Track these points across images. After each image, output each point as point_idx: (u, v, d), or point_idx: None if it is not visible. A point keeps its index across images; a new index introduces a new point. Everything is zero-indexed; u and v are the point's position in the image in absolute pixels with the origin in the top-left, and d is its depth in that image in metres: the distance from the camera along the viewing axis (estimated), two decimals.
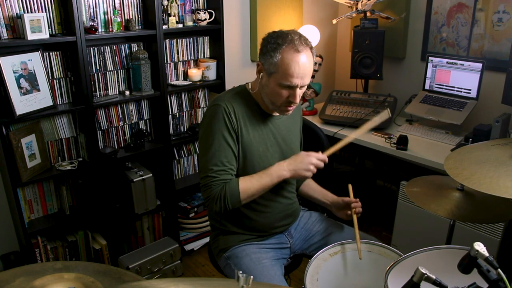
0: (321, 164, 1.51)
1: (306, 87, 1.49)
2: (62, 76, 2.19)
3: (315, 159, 1.49)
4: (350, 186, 1.68)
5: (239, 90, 1.57)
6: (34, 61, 2.05)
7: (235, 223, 1.61)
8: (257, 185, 1.48)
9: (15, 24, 1.98)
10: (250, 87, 1.58)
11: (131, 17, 2.34)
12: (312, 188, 1.81)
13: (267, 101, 1.51)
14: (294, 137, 1.69)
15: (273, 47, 1.42)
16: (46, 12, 2.05)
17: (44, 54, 2.10)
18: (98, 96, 2.32)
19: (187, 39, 2.60)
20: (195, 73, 2.60)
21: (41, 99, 2.08)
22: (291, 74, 1.40)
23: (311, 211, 1.85)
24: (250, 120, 1.53)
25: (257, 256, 1.56)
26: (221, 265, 1.65)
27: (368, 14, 2.89)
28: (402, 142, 2.34)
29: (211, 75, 2.67)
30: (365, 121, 1.72)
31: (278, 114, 1.61)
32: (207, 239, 2.77)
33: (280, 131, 1.60)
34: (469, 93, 2.56)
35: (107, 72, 2.32)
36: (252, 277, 0.74)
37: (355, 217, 1.58)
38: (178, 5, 2.50)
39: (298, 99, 1.47)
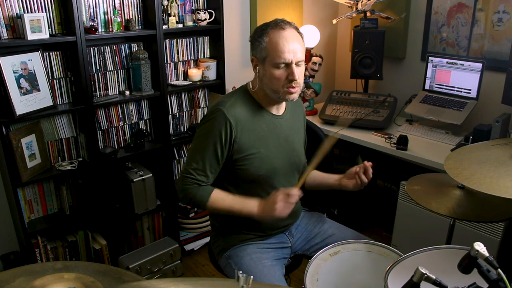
0: (291, 199, 1.45)
1: (303, 65, 1.49)
2: (62, 76, 2.19)
3: (281, 195, 1.45)
4: (359, 158, 1.66)
5: (241, 92, 1.57)
6: (34, 61, 2.05)
7: (236, 223, 1.61)
8: (227, 204, 1.51)
9: (15, 24, 1.98)
10: (251, 86, 1.58)
11: (131, 17, 2.34)
12: (321, 175, 1.76)
13: (269, 91, 1.50)
14: (297, 137, 1.68)
15: (259, 34, 1.47)
16: (46, 12, 2.05)
17: (44, 54, 2.10)
18: (98, 96, 2.32)
19: (187, 39, 2.60)
20: (195, 73, 2.60)
21: (41, 99, 2.08)
22: (281, 50, 1.43)
23: (312, 211, 1.85)
24: (253, 121, 1.53)
25: (257, 256, 1.56)
26: (222, 264, 1.65)
27: (368, 14, 2.89)
28: (402, 142, 2.34)
29: (211, 75, 2.67)
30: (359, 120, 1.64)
31: (281, 114, 1.61)
32: (207, 239, 2.77)
33: (283, 131, 1.60)
34: (469, 93, 2.56)
35: (107, 72, 2.32)
36: (252, 277, 0.74)
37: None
38: (178, 5, 2.50)
39: (296, 76, 1.45)
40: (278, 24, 1.46)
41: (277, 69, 1.45)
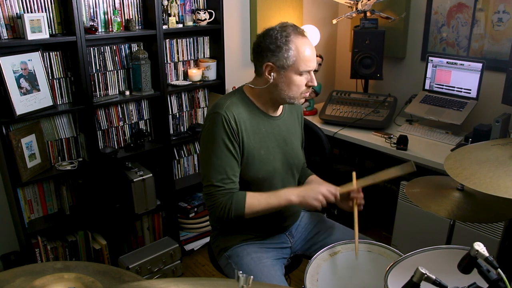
0: (331, 198, 1.48)
1: None
2: (62, 76, 2.19)
3: (326, 190, 1.48)
4: (354, 174, 1.66)
5: (237, 94, 1.56)
6: (34, 61, 2.05)
7: (236, 224, 1.61)
8: (264, 203, 1.48)
9: (15, 24, 1.98)
10: (250, 88, 1.57)
11: (131, 17, 2.34)
12: (317, 182, 1.77)
13: (282, 97, 1.51)
14: (294, 138, 1.68)
15: (283, 41, 1.44)
16: (46, 12, 2.05)
17: (44, 54, 2.10)
18: (98, 96, 2.32)
19: (187, 39, 2.60)
20: (195, 73, 2.60)
21: (41, 99, 2.08)
22: (308, 58, 1.46)
23: (311, 212, 1.85)
24: (251, 124, 1.52)
25: (257, 255, 1.56)
26: (222, 264, 1.65)
27: (368, 14, 2.89)
28: (402, 142, 2.34)
29: (211, 75, 2.67)
30: (386, 171, 1.60)
31: (278, 115, 1.61)
32: (207, 239, 2.78)
33: (280, 132, 1.60)
34: (469, 93, 2.56)
35: (107, 72, 2.32)
36: (252, 277, 0.74)
37: (355, 210, 1.56)
38: (178, 5, 2.50)
39: (316, 82, 1.52)
40: (298, 31, 1.46)
41: (299, 76, 1.47)
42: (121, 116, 2.44)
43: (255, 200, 1.47)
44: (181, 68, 2.63)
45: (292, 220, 1.71)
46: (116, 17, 2.25)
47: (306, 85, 1.50)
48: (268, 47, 1.46)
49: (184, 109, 2.71)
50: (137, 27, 2.35)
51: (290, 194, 1.49)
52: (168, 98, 2.59)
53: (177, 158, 2.75)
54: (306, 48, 1.45)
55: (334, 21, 3.03)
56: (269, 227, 1.64)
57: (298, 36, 1.45)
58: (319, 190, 1.48)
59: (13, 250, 2.33)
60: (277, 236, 1.68)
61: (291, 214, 1.69)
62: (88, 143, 2.26)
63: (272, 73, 1.48)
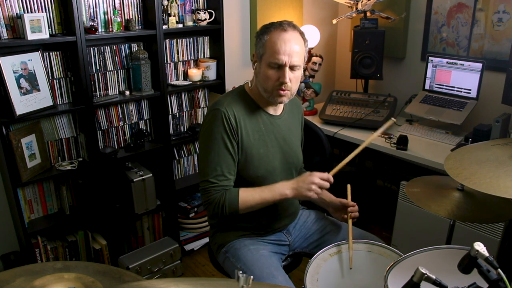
0: (325, 184, 1.48)
1: (298, 71, 1.48)
2: (62, 76, 2.19)
3: (318, 178, 1.47)
4: (348, 187, 1.68)
5: (238, 92, 1.58)
6: (34, 61, 2.05)
7: (234, 222, 1.62)
8: (258, 198, 1.48)
9: (15, 24, 1.98)
10: (249, 85, 1.59)
11: (131, 17, 2.33)
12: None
13: (261, 89, 1.51)
14: (294, 137, 1.69)
15: (263, 31, 1.49)
16: (46, 12, 2.05)
17: (44, 54, 2.10)
18: (98, 96, 2.32)
19: (187, 39, 2.60)
20: (195, 73, 2.61)
21: (41, 99, 2.08)
22: (277, 51, 1.43)
23: (310, 209, 1.85)
24: (250, 121, 1.53)
25: (255, 247, 1.58)
26: (220, 260, 1.65)
27: (368, 14, 2.89)
28: (402, 142, 2.34)
29: (211, 75, 2.67)
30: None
31: (278, 114, 1.61)
32: (207, 239, 2.77)
33: (280, 131, 1.61)
34: (469, 93, 2.56)
35: (107, 72, 2.32)
36: (252, 277, 0.74)
37: (350, 223, 1.57)
38: (178, 5, 2.50)
39: (287, 79, 1.45)
40: (282, 25, 1.46)
41: (270, 69, 1.46)
42: (121, 116, 2.44)
43: (249, 195, 1.48)
44: (181, 68, 2.63)
45: (291, 219, 1.72)
46: (116, 17, 2.25)
47: (278, 79, 1.46)
48: (255, 37, 1.53)
49: (184, 109, 2.71)
50: (137, 27, 2.35)
51: (284, 188, 1.49)
52: (168, 98, 2.59)
53: (177, 158, 2.75)
54: (279, 41, 1.43)
55: (334, 21, 3.03)
56: (268, 227, 1.65)
57: (277, 29, 1.45)
58: (311, 180, 1.47)
59: (13, 250, 2.33)
60: (275, 234, 1.68)
61: (289, 214, 1.69)
62: (88, 143, 2.26)
63: (256, 63, 1.52)
